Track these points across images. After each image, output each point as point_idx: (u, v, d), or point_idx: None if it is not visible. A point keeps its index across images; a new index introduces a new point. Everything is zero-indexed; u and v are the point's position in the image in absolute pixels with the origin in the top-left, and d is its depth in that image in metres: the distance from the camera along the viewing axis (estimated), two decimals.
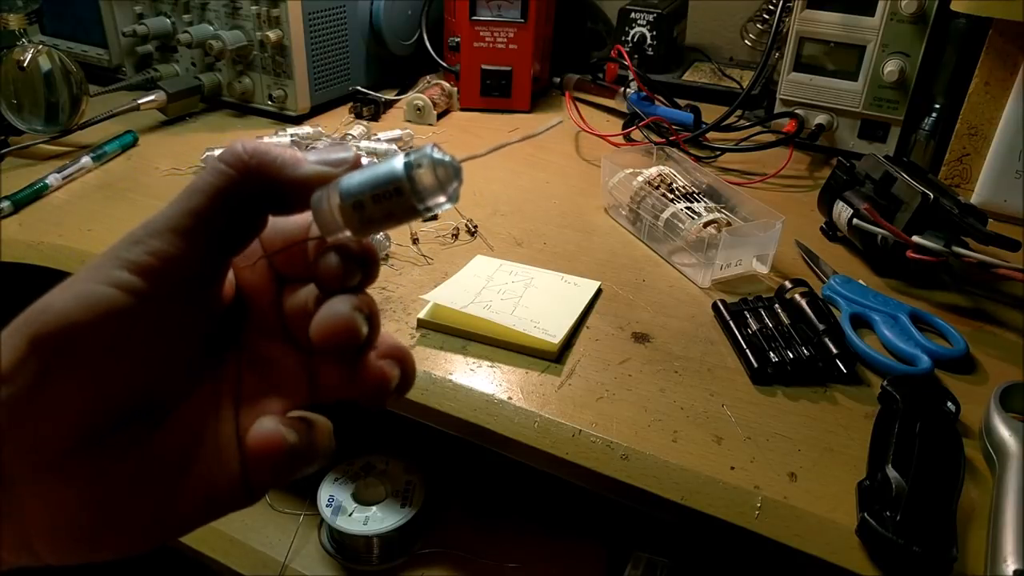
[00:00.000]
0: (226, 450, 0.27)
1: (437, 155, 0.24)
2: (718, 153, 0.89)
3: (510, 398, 0.51)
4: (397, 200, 0.25)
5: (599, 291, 0.62)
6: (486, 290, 0.60)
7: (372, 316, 0.26)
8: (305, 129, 0.87)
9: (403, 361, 0.28)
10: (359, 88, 0.98)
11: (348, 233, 0.26)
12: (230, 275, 0.29)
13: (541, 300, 0.59)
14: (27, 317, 0.24)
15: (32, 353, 0.23)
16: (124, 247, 0.24)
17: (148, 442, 0.26)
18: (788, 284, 0.59)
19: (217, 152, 0.80)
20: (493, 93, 1.00)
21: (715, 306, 0.59)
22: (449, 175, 0.25)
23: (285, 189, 0.26)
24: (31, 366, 0.23)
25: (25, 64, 0.80)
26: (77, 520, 0.25)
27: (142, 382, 0.25)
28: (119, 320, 0.24)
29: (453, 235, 0.70)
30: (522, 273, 0.63)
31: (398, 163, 0.25)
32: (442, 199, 0.25)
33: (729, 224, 0.65)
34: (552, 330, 0.55)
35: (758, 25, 1.08)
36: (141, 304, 0.24)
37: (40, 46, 0.82)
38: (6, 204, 0.72)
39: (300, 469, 0.27)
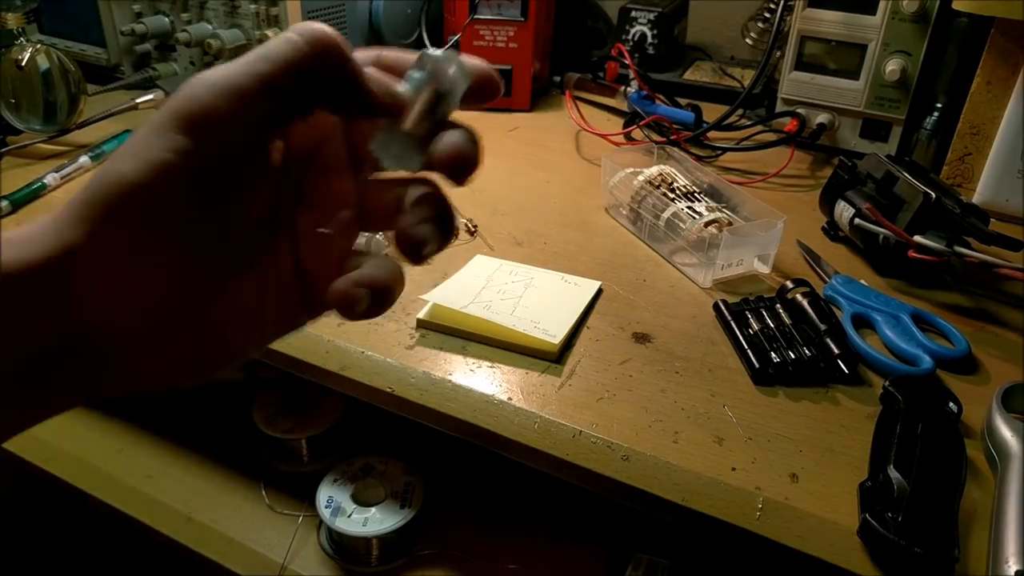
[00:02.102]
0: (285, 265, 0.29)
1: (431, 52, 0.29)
2: (719, 152, 0.88)
3: (510, 399, 0.50)
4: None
5: (599, 291, 0.62)
6: (486, 290, 0.60)
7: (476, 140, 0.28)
8: None
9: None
10: None
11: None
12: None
13: (541, 300, 0.59)
14: (92, 190, 0.24)
15: (100, 220, 0.24)
16: (182, 101, 0.25)
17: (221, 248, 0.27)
18: (789, 284, 0.58)
19: None
20: None
21: (716, 306, 0.59)
22: (449, 54, 0.28)
23: (348, 84, 0.27)
24: (104, 235, 0.24)
25: (23, 63, 0.80)
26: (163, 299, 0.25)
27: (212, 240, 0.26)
28: (176, 181, 0.24)
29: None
30: (522, 273, 0.63)
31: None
32: (451, 67, 0.28)
33: (730, 224, 0.65)
34: (552, 330, 0.55)
35: (759, 24, 1.08)
36: (193, 162, 0.24)
37: (38, 45, 0.82)
38: (4, 204, 0.71)
39: (375, 313, 0.28)
